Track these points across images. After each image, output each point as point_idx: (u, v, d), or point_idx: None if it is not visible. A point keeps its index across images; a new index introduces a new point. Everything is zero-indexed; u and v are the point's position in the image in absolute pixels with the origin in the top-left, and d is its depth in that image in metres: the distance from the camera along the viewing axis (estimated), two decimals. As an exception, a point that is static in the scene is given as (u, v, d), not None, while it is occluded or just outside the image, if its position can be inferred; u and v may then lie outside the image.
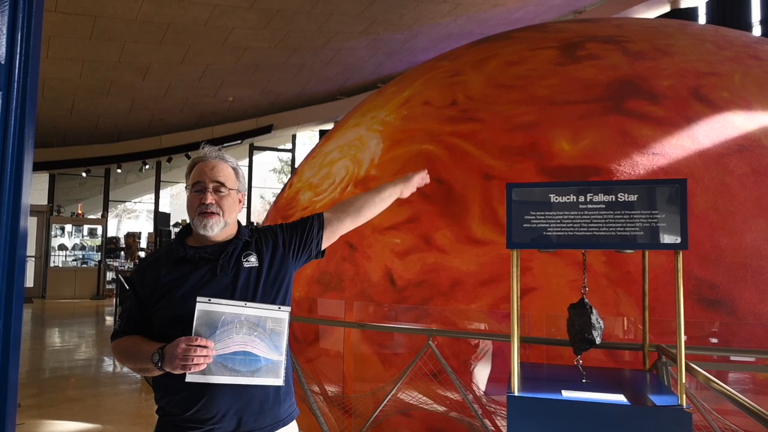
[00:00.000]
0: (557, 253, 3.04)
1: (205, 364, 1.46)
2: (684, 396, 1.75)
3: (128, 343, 1.62)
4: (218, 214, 1.66)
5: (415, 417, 3.32)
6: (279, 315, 1.56)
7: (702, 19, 8.61)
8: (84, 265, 14.11)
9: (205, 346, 1.46)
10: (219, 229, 1.67)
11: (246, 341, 1.50)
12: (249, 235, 1.77)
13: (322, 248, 1.88)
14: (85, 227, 14.65)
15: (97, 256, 14.33)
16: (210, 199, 1.65)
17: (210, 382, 1.49)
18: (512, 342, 1.92)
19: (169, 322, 1.57)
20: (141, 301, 1.65)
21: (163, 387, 1.61)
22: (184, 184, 1.77)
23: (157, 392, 1.64)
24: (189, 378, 1.46)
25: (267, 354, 1.53)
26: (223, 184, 1.68)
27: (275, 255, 1.75)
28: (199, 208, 1.65)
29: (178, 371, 1.46)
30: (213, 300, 1.50)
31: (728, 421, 2.43)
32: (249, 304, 1.54)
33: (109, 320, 10.36)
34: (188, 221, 1.73)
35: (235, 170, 1.75)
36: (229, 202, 1.69)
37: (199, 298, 1.49)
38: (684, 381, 1.76)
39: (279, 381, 1.55)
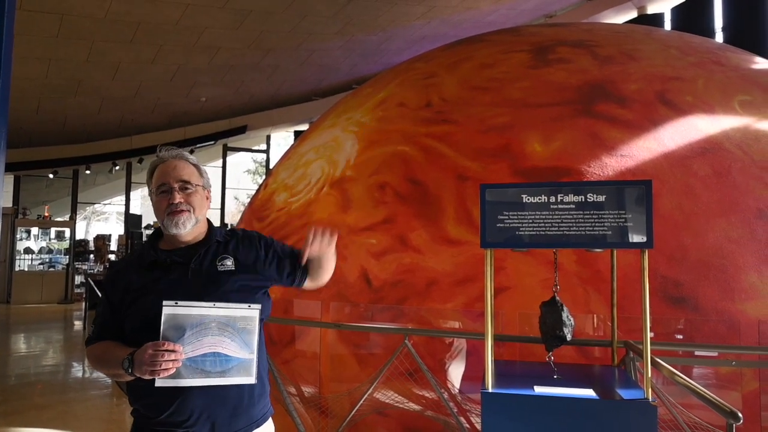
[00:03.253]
0: (530, 253, 3.10)
1: (174, 369, 1.44)
2: (650, 390, 1.81)
3: (101, 348, 1.61)
4: (189, 211, 1.64)
5: (391, 416, 3.34)
6: (248, 313, 1.55)
7: (668, 24, 8.86)
8: (51, 269, 13.73)
9: (173, 351, 1.44)
10: (191, 226, 1.65)
11: (216, 342, 1.49)
12: (222, 237, 1.73)
13: (298, 283, 1.83)
14: (53, 230, 14.26)
15: (65, 260, 13.96)
16: (178, 198, 1.63)
17: (180, 385, 1.47)
18: (486, 340, 1.96)
19: (140, 327, 1.55)
20: (113, 307, 1.63)
21: (136, 390, 1.59)
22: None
23: (131, 395, 1.63)
24: (159, 383, 1.45)
25: (238, 353, 1.52)
26: (188, 182, 1.66)
27: (256, 263, 1.72)
28: (168, 208, 1.62)
29: (147, 377, 1.45)
30: (180, 303, 1.49)
31: (692, 415, 2.52)
32: (217, 304, 1.53)
33: (78, 325, 10.11)
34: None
35: (197, 167, 1.73)
36: (197, 199, 1.67)
37: (165, 302, 1.48)
38: (650, 376, 1.83)
39: (251, 379, 1.55)
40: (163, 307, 1.47)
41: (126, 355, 1.48)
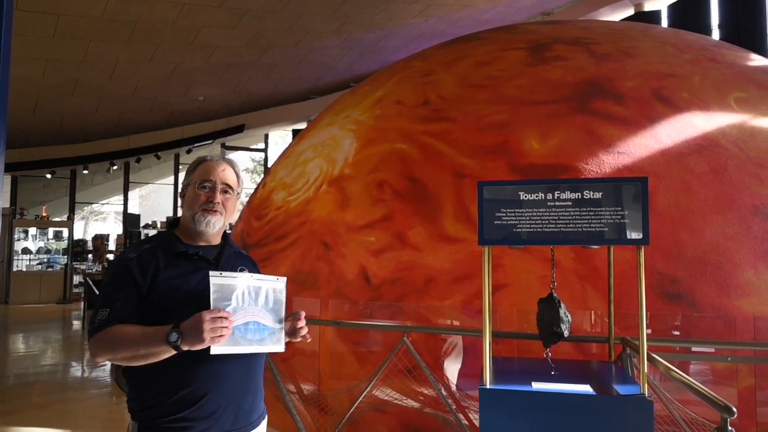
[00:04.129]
0: (527, 250, 3.12)
1: (227, 336, 1.47)
2: (646, 385, 1.83)
3: (125, 329, 1.51)
4: (222, 214, 1.71)
5: (390, 413, 3.35)
6: (278, 285, 1.64)
7: (664, 22, 8.88)
8: (49, 269, 13.70)
9: (226, 317, 1.47)
10: (219, 228, 1.72)
11: (255, 311, 1.56)
12: (236, 247, 1.83)
13: None
14: (50, 230, 14.23)
15: (63, 260, 13.94)
16: (219, 198, 1.70)
17: (233, 352, 1.51)
18: (484, 337, 1.97)
19: (169, 317, 1.52)
20: (139, 289, 1.57)
21: (152, 388, 1.55)
22: (183, 182, 1.78)
23: (144, 393, 1.56)
24: (214, 350, 1.46)
25: (271, 323, 1.59)
26: (231, 187, 1.74)
27: None
28: (205, 204, 1.68)
29: (202, 345, 1.43)
30: (224, 273, 1.53)
31: (689, 410, 2.54)
32: (254, 275, 1.60)
33: (76, 325, 10.10)
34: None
35: (239, 177, 1.81)
36: (231, 205, 1.75)
37: (211, 272, 1.51)
38: (646, 371, 1.84)
39: (281, 348, 1.62)
40: (211, 277, 1.49)
41: (170, 329, 1.44)
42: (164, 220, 12.65)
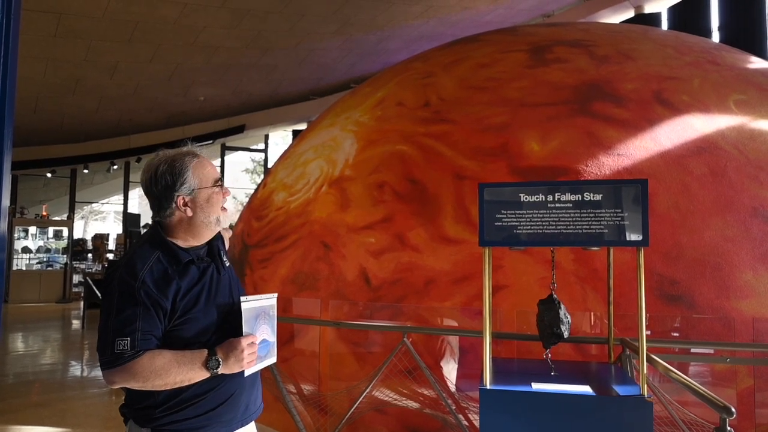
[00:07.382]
0: (527, 251, 3.13)
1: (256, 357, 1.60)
2: (645, 386, 1.84)
3: (157, 359, 1.48)
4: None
5: (389, 414, 3.36)
6: (273, 302, 1.73)
7: (665, 24, 8.89)
8: (49, 268, 13.71)
9: (255, 342, 1.58)
10: None
11: (264, 330, 1.67)
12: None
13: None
14: (50, 229, 14.24)
15: (63, 259, 13.95)
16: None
17: (255, 371, 1.63)
18: (484, 338, 1.98)
19: (200, 331, 1.56)
20: (164, 313, 1.52)
21: (176, 394, 1.54)
22: (183, 185, 1.61)
23: (164, 399, 1.54)
24: (247, 373, 1.59)
25: (270, 337, 1.69)
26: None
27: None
28: (221, 203, 1.69)
29: (239, 369, 1.55)
30: (249, 297, 1.62)
31: (688, 411, 2.55)
32: (261, 296, 1.68)
33: (76, 324, 10.11)
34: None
35: None
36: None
37: (242, 298, 1.59)
38: (645, 372, 1.85)
39: (275, 359, 1.74)
40: (242, 303, 1.59)
41: (207, 356, 1.51)
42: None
